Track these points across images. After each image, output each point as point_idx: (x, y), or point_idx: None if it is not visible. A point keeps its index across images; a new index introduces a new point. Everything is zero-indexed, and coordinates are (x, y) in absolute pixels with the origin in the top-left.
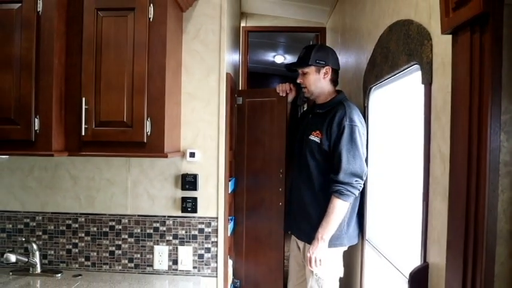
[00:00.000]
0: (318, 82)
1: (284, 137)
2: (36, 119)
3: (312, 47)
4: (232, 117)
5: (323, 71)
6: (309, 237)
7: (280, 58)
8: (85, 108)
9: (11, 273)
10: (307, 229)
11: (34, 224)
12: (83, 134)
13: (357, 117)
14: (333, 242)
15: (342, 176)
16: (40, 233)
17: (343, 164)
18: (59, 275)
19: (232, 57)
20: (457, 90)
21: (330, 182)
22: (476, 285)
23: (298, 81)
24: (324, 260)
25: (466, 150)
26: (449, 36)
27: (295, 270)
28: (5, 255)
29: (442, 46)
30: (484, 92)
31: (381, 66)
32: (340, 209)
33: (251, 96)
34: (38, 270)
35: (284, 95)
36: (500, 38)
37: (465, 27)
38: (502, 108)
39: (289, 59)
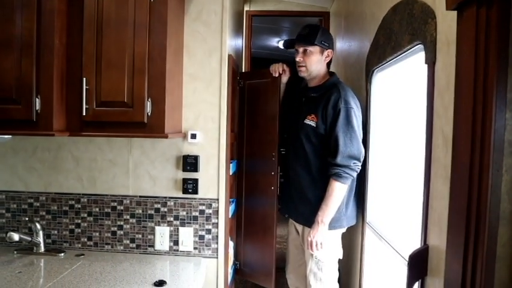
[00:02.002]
0: (319, 63)
1: (276, 119)
2: (37, 99)
3: (317, 27)
4: (234, 100)
5: (326, 53)
6: (308, 220)
7: None
8: (86, 89)
9: (15, 252)
10: (306, 212)
11: (38, 204)
12: (84, 114)
13: (352, 100)
14: (332, 225)
15: (339, 159)
16: (44, 213)
17: (341, 147)
18: (62, 254)
19: (235, 41)
20: (461, 68)
21: (328, 165)
22: (477, 267)
23: (298, 59)
24: (325, 243)
25: (469, 129)
26: (454, 13)
27: (294, 254)
28: (8, 234)
29: (447, 24)
30: (490, 69)
31: (384, 47)
32: (339, 191)
33: (250, 78)
34: (42, 249)
35: (277, 75)
36: (508, 12)
37: (471, 2)
38: (508, 86)
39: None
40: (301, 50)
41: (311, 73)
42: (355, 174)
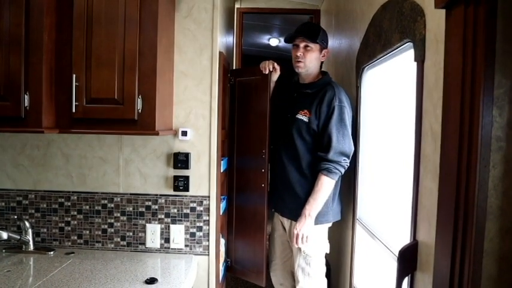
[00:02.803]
0: (316, 61)
1: (266, 117)
2: (26, 96)
3: (318, 26)
4: (225, 97)
5: (323, 52)
6: (295, 214)
7: (275, 41)
8: (75, 85)
9: (4, 251)
10: (293, 207)
11: (27, 202)
12: (74, 111)
13: (345, 99)
14: (319, 219)
15: (331, 155)
16: (33, 211)
17: (333, 143)
18: (52, 252)
19: (225, 38)
20: (449, 65)
21: (318, 160)
22: (465, 262)
23: (298, 53)
24: (311, 236)
25: (457, 125)
26: (443, 11)
27: (280, 250)
28: None
29: (435, 22)
30: (477, 66)
31: (374, 45)
32: (327, 186)
33: (240, 75)
34: (31, 247)
35: (267, 72)
36: (495, 11)
37: (459, 1)
38: (495, 82)
39: (284, 41)
40: (302, 45)
41: (308, 69)
42: (343, 171)
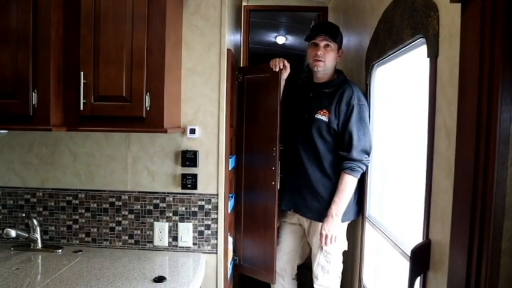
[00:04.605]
0: (334, 61)
1: (277, 114)
2: (34, 93)
3: (336, 25)
4: (233, 95)
5: (340, 52)
6: (319, 215)
7: (282, 39)
8: (83, 83)
9: (12, 249)
10: (316, 207)
11: (35, 200)
12: (82, 108)
13: (363, 97)
14: (342, 218)
15: (354, 154)
16: (41, 209)
17: (355, 142)
18: (60, 250)
19: (233, 36)
20: (465, 60)
21: (341, 159)
22: (482, 261)
23: (319, 53)
24: (339, 236)
25: (474, 121)
26: (458, 6)
27: (290, 241)
28: (5, 230)
29: (450, 17)
30: (496, 61)
31: (384, 42)
32: (351, 185)
33: (249, 73)
34: (39, 245)
35: (277, 69)
36: None
37: None
38: None
39: (290, 39)
40: (323, 44)
41: (326, 69)
42: (365, 168)
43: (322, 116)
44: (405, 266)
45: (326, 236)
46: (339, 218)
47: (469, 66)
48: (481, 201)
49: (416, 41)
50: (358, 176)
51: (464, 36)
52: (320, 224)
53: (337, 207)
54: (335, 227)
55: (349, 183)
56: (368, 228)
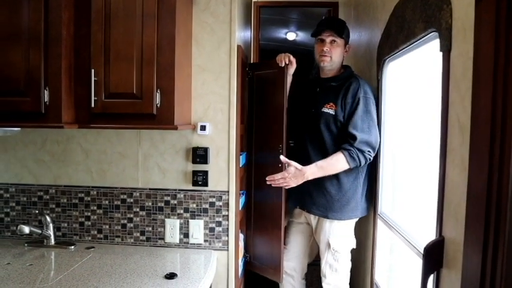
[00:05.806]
0: (341, 56)
1: (283, 111)
2: (45, 91)
3: (342, 21)
4: (244, 91)
5: (346, 47)
6: (327, 212)
7: (292, 35)
8: (94, 80)
9: (26, 245)
10: (324, 204)
11: (47, 197)
12: (93, 106)
13: (369, 90)
14: (349, 214)
15: (356, 143)
16: (53, 206)
17: (359, 133)
18: (72, 247)
19: (243, 32)
20: (480, 54)
21: (344, 143)
22: (497, 259)
23: (325, 48)
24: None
25: (489, 116)
26: None
27: (298, 240)
28: (18, 227)
29: (463, 9)
30: (511, 54)
31: (396, 36)
32: (338, 166)
33: (258, 68)
34: (52, 242)
35: (283, 65)
36: None
37: None
38: None
39: (301, 35)
40: (329, 40)
41: (333, 64)
42: (364, 162)
43: (329, 110)
44: (418, 263)
45: (285, 163)
46: (307, 178)
47: (484, 60)
48: (496, 197)
49: (428, 35)
50: (352, 164)
51: (479, 28)
52: (327, 221)
53: (314, 169)
54: (297, 175)
55: (339, 162)
56: (380, 225)
